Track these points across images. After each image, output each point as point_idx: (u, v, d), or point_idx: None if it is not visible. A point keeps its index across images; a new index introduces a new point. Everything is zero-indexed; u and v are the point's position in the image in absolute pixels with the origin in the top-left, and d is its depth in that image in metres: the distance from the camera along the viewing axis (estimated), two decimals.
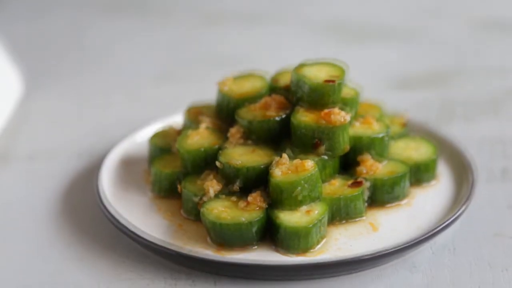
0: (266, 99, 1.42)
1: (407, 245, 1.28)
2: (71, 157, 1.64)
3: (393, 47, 2.14)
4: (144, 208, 1.41)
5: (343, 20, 2.30)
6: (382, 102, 1.55)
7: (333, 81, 1.38)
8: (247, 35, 2.25)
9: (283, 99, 1.42)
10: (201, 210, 1.32)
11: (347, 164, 1.41)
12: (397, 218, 1.37)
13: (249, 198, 1.32)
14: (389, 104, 1.62)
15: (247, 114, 1.41)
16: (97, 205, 1.42)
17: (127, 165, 1.53)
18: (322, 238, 1.32)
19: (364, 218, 1.37)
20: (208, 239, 1.32)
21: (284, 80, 1.47)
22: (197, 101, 1.55)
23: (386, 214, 1.38)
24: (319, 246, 1.31)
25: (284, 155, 1.34)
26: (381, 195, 1.39)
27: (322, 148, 1.37)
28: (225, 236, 1.29)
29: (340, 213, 1.35)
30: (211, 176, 1.37)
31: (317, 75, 1.40)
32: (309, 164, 1.33)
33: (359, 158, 1.41)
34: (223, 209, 1.31)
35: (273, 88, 1.46)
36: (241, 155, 1.37)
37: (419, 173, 1.44)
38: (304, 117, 1.37)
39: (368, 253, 1.26)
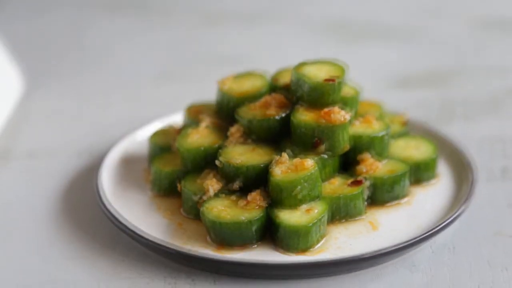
0: (266, 98, 1.42)
1: (407, 244, 1.28)
2: (71, 156, 1.64)
3: (393, 46, 2.14)
4: (144, 207, 1.41)
5: (343, 20, 2.30)
6: (382, 101, 1.55)
7: (333, 80, 1.38)
8: (247, 35, 2.25)
9: (283, 98, 1.42)
10: (201, 209, 1.32)
11: (347, 163, 1.41)
12: (397, 217, 1.37)
13: (249, 197, 1.32)
14: (389, 103, 1.62)
15: (247, 113, 1.41)
16: (97, 204, 1.42)
17: (127, 164, 1.53)
18: (322, 237, 1.32)
19: (364, 217, 1.37)
20: (208, 238, 1.32)
21: (284, 79, 1.47)
22: (197, 101, 1.56)
23: (386, 213, 1.38)
24: (319, 245, 1.31)
25: (284, 154, 1.34)
26: (381, 194, 1.39)
27: (322, 147, 1.37)
28: (225, 235, 1.29)
29: (340, 212, 1.35)
30: (211, 175, 1.37)
31: (317, 74, 1.40)
32: (309, 163, 1.33)
33: (359, 157, 1.41)
34: (223, 208, 1.31)
35: (273, 87, 1.46)
36: (241, 154, 1.37)
37: (419, 172, 1.44)
38: (304, 116, 1.37)
39: (368, 252, 1.26)
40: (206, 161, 1.40)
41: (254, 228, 1.29)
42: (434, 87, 1.91)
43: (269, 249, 1.30)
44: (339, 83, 1.39)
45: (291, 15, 2.37)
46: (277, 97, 1.42)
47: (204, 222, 1.31)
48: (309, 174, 1.32)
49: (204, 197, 1.34)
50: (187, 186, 1.37)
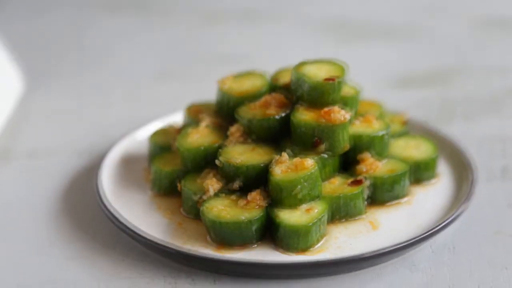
0: (266, 97, 1.42)
1: (407, 243, 1.28)
2: (71, 156, 1.64)
3: (394, 46, 2.14)
4: (144, 206, 1.41)
5: (343, 19, 2.30)
6: (382, 101, 1.55)
7: (333, 79, 1.38)
8: (247, 34, 2.25)
9: (283, 97, 1.42)
10: (201, 208, 1.32)
11: (347, 163, 1.41)
12: (397, 217, 1.37)
13: (249, 197, 1.32)
14: (389, 103, 1.62)
15: (247, 112, 1.41)
16: (97, 204, 1.42)
17: (127, 163, 1.53)
18: (322, 236, 1.32)
19: (364, 216, 1.37)
20: (208, 237, 1.32)
21: (284, 79, 1.47)
22: (197, 100, 1.55)
23: (386, 213, 1.38)
24: (319, 244, 1.31)
25: (284, 154, 1.34)
26: (381, 194, 1.39)
27: (322, 147, 1.37)
28: (225, 235, 1.29)
29: (340, 212, 1.35)
30: (211, 175, 1.37)
31: (317, 73, 1.40)
32: (309, 162, 1.32)
33: (359, 156, 1.41)
34: (223, 207, 1.31)
35: (273, 87, 1.46)
36: (241, 154, 1.37)
37: (419, 172, 1.44)
38: (304, 116, 1.37)
39: (368, 251, 1.26)
40: (206, 161, 1.40)
41: (254, 227, 1.29)
42: (434, 86, 1.91)
43: (269, 249, 1.30)
44: (339, 83, 1.39)
45: (291, 14, 2.37)
46: (277, 96, 1.42)
47: (204, 221, 1.31)
48: (309, 173, 1.31)
49: (204, 197, 1.34)
50: (187, 186, 1.37)
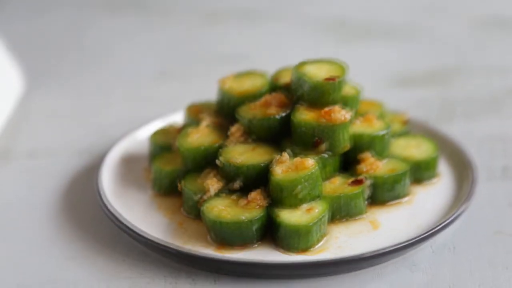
0: (267, 97, 1.42)
1: (407, 243, 1.28)
2: (71, 155, 1.64)
3: (394, 46, 2.14)
4: (144, 206, 1.41)
5: (344, 19, 2.30)
6: (383, 100, 1.55)
7: (333, 79, 1.38)
8: (247, 34, 2.25)
9: (284, 97, 1.42)
10: (202, 208, 1.32)
11: (348, 163, 1.41)
12: (397, 217, 1.37)
13: (250, 197, 1.32)
14: (389, 103, 1.62)
15: (247, 112, 1.41)
16: (97, 204, 1.42)
17: (127, 163, 1.53)
18: (323, 236, 1.32)
19: (364, 216, 1.37)
20: (209, 237, 1.32)
21: (285, 79, 1.47)
22: (198, 100, 1.55)
23: (387, 213, 1.38)
24: (319, 244, 1.31)
25: (285, 154, 1.34)
26: (382, 193, 1.39)
27: (323, 147, 1.37)
28: (226, 235, 1.29)
29: (341, 212, 1.35)
30: (212, 175, 1.37)
31: (318, 73, 1.40)
32: (310, 162, 1.32)
33: (359, 156, 1.41)
34: (223, 207, 1.31)
35: (274, 87, 1.46)
36: (242, 154, 1.37)
37: (420, 171, 1.44)
38: (304, 116, 1.37)
39: (369, 251, 1.26)
40: (206, 161, 1.39)
41: (254, 227, 1.29)
42: (434, 86, 1.91)
43: (269, 249, 1.30)
44: (340, 82, 1.39)
45: (291, 14, 2.37)
46: (278, 96, 1.42)
47: (205, 221, 1.31)
48: (309, 173, 1.31)
49: (205, 197, 1.34)
50: (187, 186, 1.37)
